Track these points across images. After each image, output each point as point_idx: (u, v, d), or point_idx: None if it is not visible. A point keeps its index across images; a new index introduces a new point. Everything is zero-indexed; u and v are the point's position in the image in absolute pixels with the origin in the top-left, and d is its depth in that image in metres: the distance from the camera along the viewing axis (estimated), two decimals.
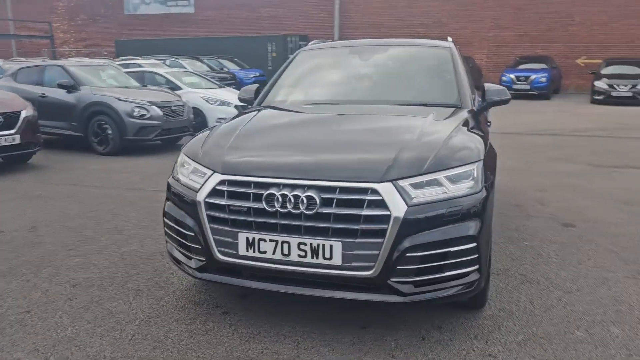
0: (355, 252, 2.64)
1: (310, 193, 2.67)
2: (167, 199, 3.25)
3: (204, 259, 2.94)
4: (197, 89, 11.80)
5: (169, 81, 11.80)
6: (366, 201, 2.63)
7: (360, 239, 2.64)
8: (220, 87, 12.74)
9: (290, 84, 4.38)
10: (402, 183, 2.67)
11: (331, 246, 2.65)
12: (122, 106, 8.78)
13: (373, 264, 2.64)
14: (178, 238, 3.10)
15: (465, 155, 2.90)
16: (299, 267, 2.73)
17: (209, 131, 3.54)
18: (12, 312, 3.31)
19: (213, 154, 3.10)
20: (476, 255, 2.75)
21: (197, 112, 10.75)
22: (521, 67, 21.07)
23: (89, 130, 9.02)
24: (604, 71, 19.20)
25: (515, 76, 20.41)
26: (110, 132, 8.83)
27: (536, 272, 3.97)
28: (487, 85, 4.04)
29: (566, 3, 22.65)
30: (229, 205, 2.83)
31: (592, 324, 3.17)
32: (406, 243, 2.62)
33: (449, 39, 4.65)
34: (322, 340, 2.96)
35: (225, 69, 19.91)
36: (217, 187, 2.87)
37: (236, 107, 11.45)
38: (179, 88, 11.33)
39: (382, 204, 2.62)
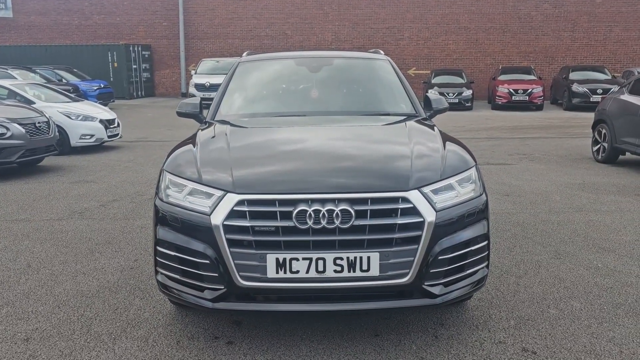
0: (392, 260, 2.67)
1: (344, 206, 2.64)
2: (159, 224, 2.91)
3: (222, 287, 2.71)
4: (51, 102, 10.50)
5: (14, 93, 10.31)
6: (399, 210, 2.69)
7: (396, 248, 2.67)
8: (74, 100, 11.51)
9: (244, 96, 4.20)
10: (426, 190, 2.78)
11: (368, 257, 2.65)
12: None
13: (408, 270, 2.70)
14: (183, 268, 2.79)
15: (463, 161, 3.12)
16: (335, 282, 2.66)
17: (188, 147, 3.25)
18: None
19: (216, 173, 2.87)
20: (487, 252, 2.98)
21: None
22: None
23: None
24: (434, 81, 21.62)
25: None
26: None
27: None
28: (430, 96, 4.36)
29: (396, 20, 25.02)
30: (253, 227, 2.65)
31: (556, 302, 3.63)
32: (437, 247, 2.73)
33: (381, 52, 4.90)
34: (348, 355, 2.93)
35: (65, 81, 17.99)
36: (236, 208, 2.66)
37: (101, 121, 10.49)
38: (32, 102, 9.97)
39: (414, 211, 2.70)
